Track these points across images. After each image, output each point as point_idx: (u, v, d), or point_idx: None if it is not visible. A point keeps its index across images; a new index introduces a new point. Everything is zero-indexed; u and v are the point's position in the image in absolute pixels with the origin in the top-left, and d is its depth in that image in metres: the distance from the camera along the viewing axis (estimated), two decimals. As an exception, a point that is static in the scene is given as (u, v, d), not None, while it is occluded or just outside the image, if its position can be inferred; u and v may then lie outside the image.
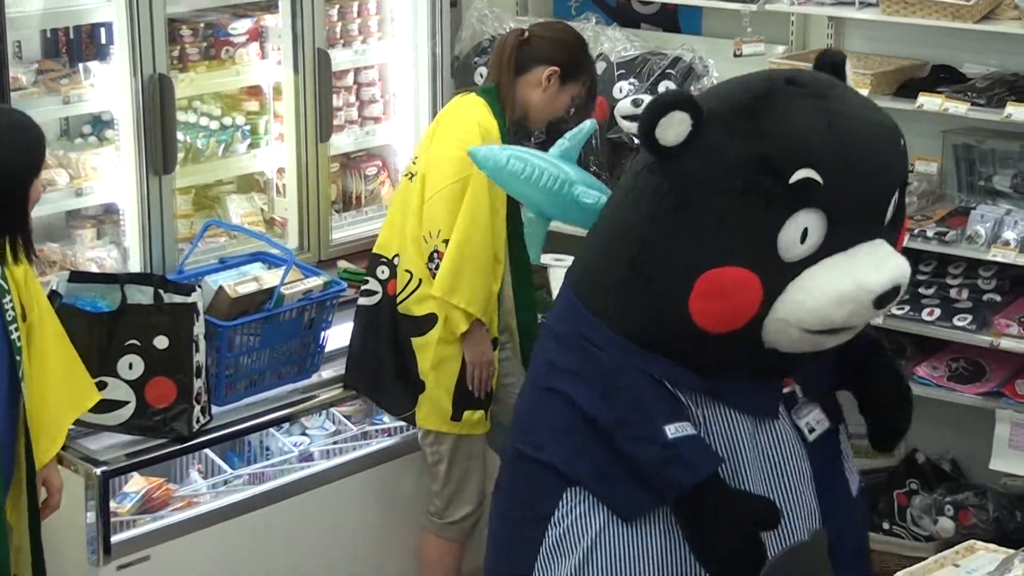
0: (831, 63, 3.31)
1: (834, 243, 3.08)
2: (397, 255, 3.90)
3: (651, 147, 3.09)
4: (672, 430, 3.11)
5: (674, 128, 3.05)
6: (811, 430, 3.30)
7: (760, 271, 3.05)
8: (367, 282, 3.97)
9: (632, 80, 4.59)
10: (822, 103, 3.11)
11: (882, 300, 3.10)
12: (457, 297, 3.76)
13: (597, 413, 3.16)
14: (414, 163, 3.92)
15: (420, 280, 3.83)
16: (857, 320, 3.15)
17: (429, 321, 3.84)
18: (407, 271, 3.86)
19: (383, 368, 3.94)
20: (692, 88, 4.48)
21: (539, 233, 3.59)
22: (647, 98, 4.27)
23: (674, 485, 3.12)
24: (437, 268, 3.78)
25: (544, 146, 4.70)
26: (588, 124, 3.58)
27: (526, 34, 3.88)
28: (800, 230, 3.05)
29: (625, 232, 3.19)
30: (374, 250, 3.97)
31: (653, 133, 3.06)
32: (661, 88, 4.50)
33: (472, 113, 3.81)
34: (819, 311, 3.08)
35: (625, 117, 4.50)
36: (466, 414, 3.88)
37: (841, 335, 3.16)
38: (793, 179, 3.02)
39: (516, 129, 3.96)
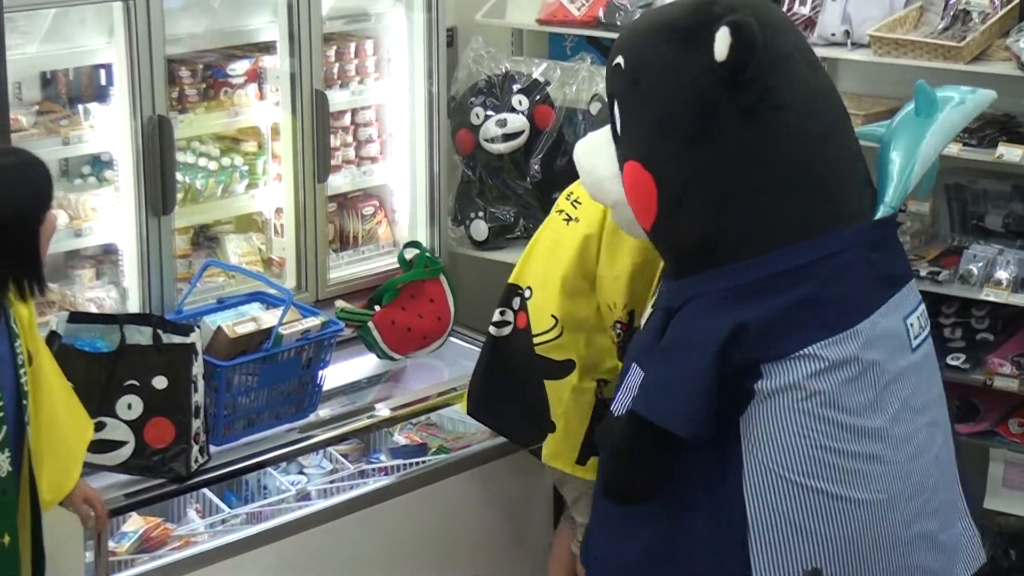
0: None
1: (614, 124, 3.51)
2: (530, 288, 3.87)
3: None
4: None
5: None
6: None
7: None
8: (503, 312, 3.92)
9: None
10: None
11: None
12: None
13: None
14: (574, 206, 3.85)
15: (563, 329, 3.81)
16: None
17: (566, 367, 3.83)
18: (552, 316, 3.83)
19: (512, 401, 3.92)
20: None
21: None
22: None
23: None
24: (620, 337, 3.77)
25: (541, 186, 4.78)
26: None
27: None
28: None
29: None
30: (510, 280, 3.94)
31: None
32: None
33: None
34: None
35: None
36: (591, 460, 3.84)
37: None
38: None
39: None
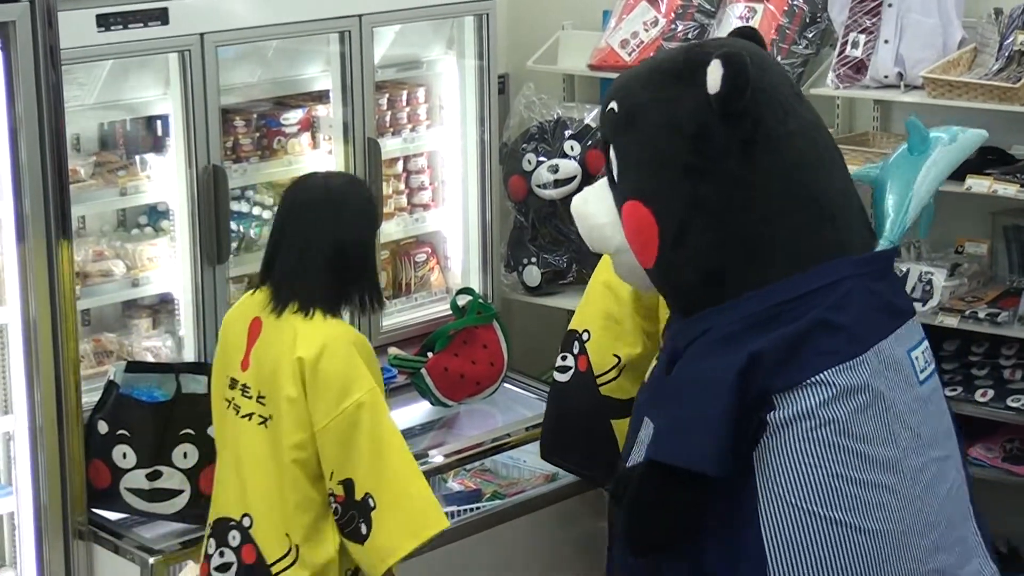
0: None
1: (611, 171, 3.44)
2: (587, 331, 3.82)
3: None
4: None
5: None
6: None
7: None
8: (564, 357, 3.87)
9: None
10: None
11: None
12: None
13: None
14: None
15: (624, 368, 3.77)
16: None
17: (631, 406, 3.72)
18: (615, 356, 3.78)
19: (581, 443, 3.86)
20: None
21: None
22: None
23: None
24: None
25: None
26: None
27: None
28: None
29: None
30: (570, 327, 3.90)
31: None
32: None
33: None
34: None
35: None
36: None
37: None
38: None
39: None
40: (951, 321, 4.23)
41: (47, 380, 3.64)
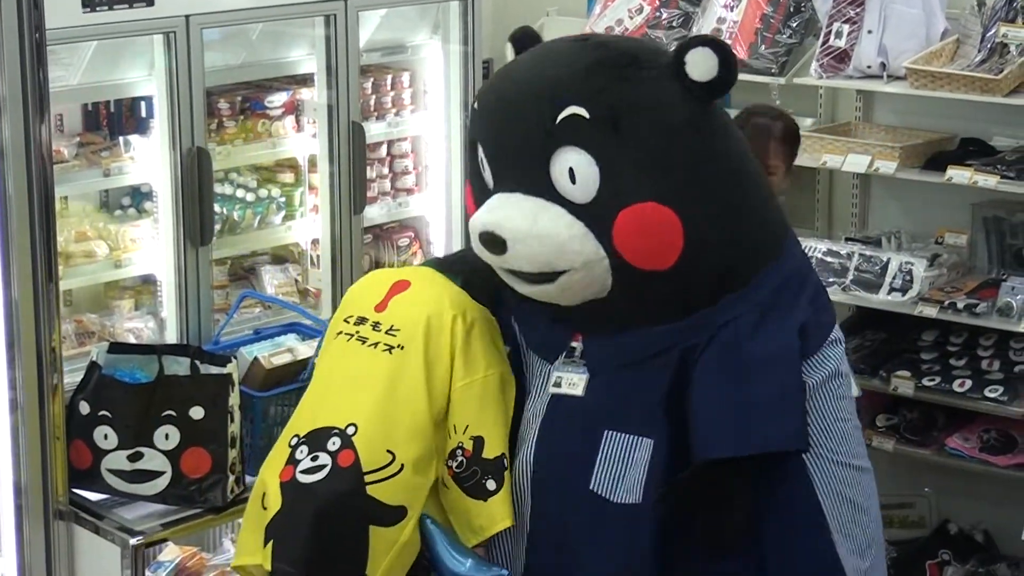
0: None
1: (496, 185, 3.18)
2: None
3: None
4: None
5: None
6: (557, 384, 3.25)
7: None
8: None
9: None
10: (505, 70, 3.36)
11: (481, 240, 3.16)
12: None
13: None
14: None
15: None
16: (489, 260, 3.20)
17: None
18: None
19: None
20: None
21: None
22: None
23: None
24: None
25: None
26: None
27: None
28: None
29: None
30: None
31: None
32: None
33: None
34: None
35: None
36: None
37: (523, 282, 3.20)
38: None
39: None
40: (930, 311, 4.25)
41: (28, 360, 3.63)
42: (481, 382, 3.27)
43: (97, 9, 3.84)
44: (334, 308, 4.52)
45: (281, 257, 4.65)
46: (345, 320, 3.38)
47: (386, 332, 3.33)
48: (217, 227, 4.24)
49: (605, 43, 3.30)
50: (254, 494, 3.27)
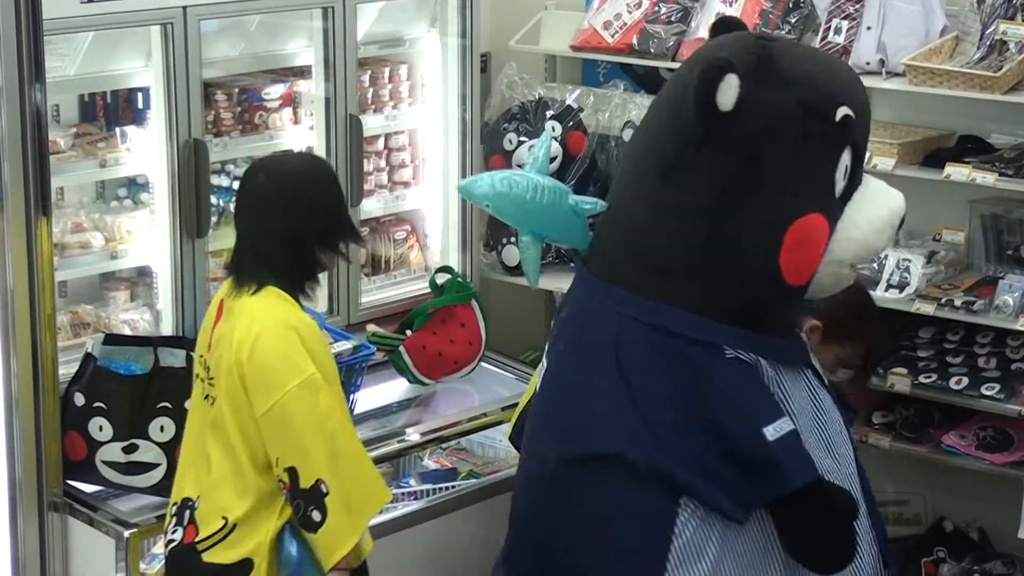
0: (728, 24, 3.47)
1: (855, 178, 3.29)
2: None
3: (708, 116, 3.14)
4: (771, 432, 3.16)
5: (731, 91, 3.14)
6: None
7: (827, 213, 3.24)
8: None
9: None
10: (801, 50, 3.45)
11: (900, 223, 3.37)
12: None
13: (695, 415, 3.16)
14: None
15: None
16: (887, 245, 3.45)
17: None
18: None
19: None
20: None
21: (537, 256, 3.53)
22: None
23: (775, 490, 3.17)
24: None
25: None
26: (543, 137, 3.60)
27: None
28: (844, 168, 3.24)
29: (685, 213, 3.22)
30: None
31: (713, 101, 3.12)
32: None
33: None
34: (867, 242, 3.29)
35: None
36: None
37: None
38: (837, 117, 3.19)
39: None
40: (927, 308, 4.25)
41: (24, 351, 3.63)
42: (279, 406, 3.20)
43: (94, -1, 3.83)
44: (330, 301, 4.53)
45: (277, 250, 4.63)
46: (199, 359, 3.39)
47: (209, 381, 3.34)
48: (213, 219, 4.23)
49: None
50: None
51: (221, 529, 3.28)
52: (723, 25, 3.46)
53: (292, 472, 3.22)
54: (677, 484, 3.17)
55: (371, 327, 4.46)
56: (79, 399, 3.76)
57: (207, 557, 3.28)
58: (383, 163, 4.77)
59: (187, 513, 3.35)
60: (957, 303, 4.22)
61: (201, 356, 3.40)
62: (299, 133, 4.48)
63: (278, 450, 3.24)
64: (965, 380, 4.28)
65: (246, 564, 3.26)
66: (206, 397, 3.34)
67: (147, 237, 4.18)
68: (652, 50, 4.77)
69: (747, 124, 3.15)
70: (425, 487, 4.34)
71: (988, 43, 4.27)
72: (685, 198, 3.21)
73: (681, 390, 3.17)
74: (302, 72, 4.51)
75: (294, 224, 3.31)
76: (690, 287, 3.21)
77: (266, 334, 3.23)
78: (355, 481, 3.29)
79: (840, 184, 3.25)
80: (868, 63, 4.43)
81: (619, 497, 3.22)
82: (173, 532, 3.36)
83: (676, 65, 4.51)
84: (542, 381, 3.45)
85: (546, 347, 3.51)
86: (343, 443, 3.26)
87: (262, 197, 3.34)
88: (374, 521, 4.10)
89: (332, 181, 3.41)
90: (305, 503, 3.23)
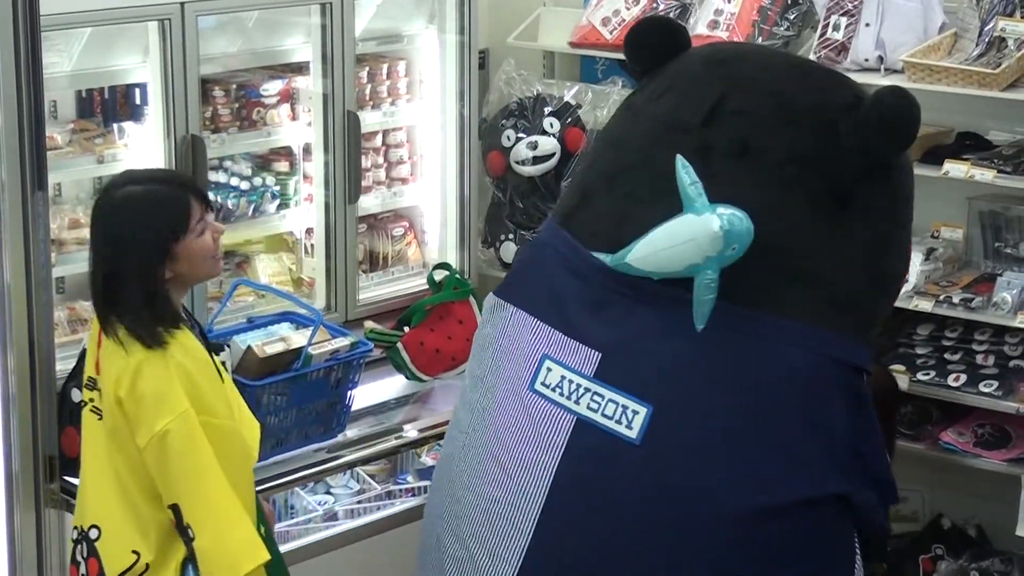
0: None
1: None
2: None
3: (893, 150, 3.30)
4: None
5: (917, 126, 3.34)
6: None
7: None
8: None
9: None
10: None
11: None
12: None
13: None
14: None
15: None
16: None
17: None
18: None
19: None
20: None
21: None
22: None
23: (889, 503, 3.36)
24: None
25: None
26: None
27: None
28: None
29: (882, 251, 3.31)
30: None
31: (909, 137, 3.28)
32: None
33: None
34: None
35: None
36: None
37: None
38: None
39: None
40: (925, 305, 4.25)
41: (20, 347, 3.63)
42: (158, 440, 3.05)
43: (92, -5, 3.83)
44: (328, 297, 4.53)
45: (275, 246, 4.63)
46: (86, 384, 3.21)
47: (92, 409, 3.20)
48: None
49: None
50: None
51: (135, 565, 3.11)
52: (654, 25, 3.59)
53: (175, 509, 3.09)
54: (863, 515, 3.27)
55: (369, 323, 4.46)
56: (76, 395, 3.75)
57: None
58: (381, 159, 4.76)
59: (81, 545, 3.19)
60: (955, 300, 4.22)
61: (89, 378, 3.22)
62: (297, 129, 4.48)
63: (161, 485, 3.10)
64: (963, 377, 4.28)
65: None
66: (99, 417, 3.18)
67: (144, 233, 4.17)
68: (650, 47, 4.76)
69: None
70: (422, 483, 4.34)
71: (987, 40, 4.27)
72: (864, 236, 3.28)
73: (855, 421, 3.22)
74: (300, 68, 4.50)
75: (112, 261, 3.11)
76: (860, 318, 3.30)
77: (146, 364, 3.07)
78: (220, 533, 3.08)
79: None
80: (867, 60, 4.43)
81: (836, 537, 3.22)
82: (77, 566, 3.21)
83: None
84: (645, 429, 3.16)
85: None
86: (210, 490, 3.07)
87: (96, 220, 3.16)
88: (373, 518, 4.14)
89: (151, 212, 3.14)
90: (187, 542, 3.11)
